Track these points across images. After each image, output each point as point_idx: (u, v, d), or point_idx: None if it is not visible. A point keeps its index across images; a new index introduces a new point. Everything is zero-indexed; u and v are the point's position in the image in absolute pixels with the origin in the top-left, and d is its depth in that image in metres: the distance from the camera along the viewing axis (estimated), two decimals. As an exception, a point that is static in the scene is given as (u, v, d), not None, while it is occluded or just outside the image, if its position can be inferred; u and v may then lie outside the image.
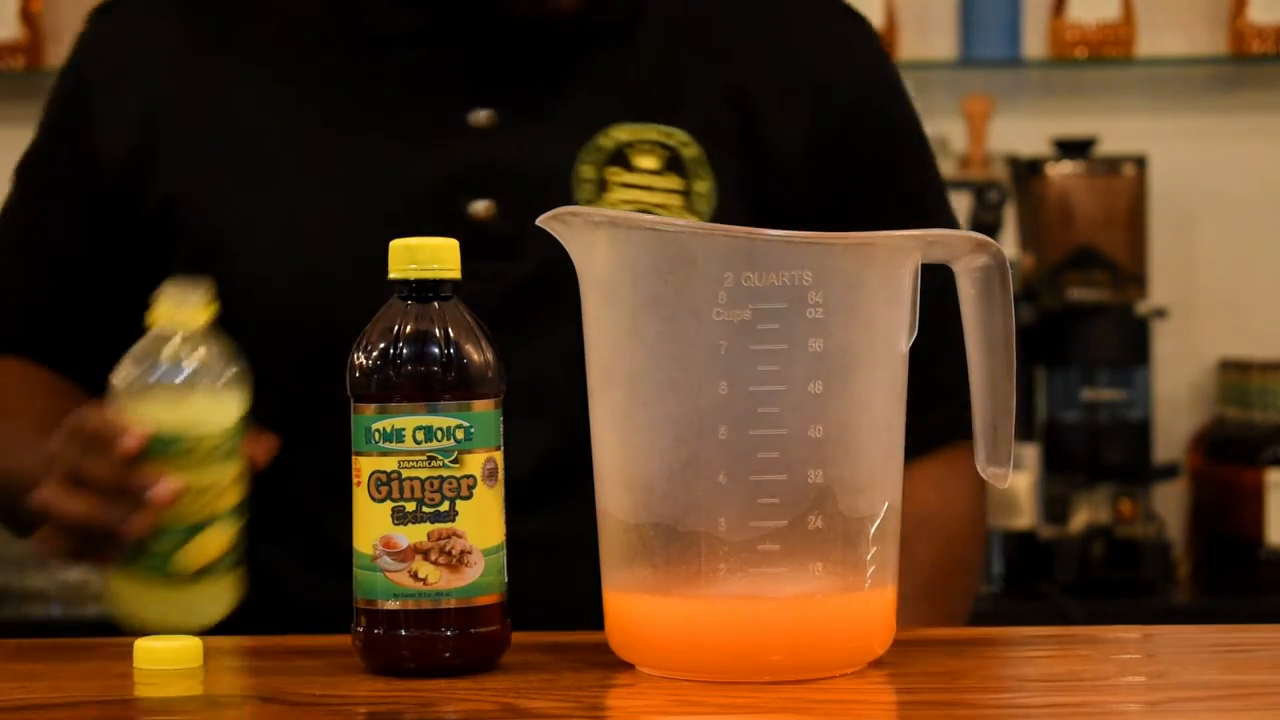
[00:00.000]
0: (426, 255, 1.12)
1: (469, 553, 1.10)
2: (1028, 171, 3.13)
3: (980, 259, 1.11)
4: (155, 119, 1.51)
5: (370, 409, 1.11)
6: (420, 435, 1.10)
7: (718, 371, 1.06)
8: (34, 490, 1.29)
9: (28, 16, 3.25)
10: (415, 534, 1.10)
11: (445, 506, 1.10)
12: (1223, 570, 3.11)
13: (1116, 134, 3.22)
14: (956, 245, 1.11)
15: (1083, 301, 3.10)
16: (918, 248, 1.10)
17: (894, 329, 1.10)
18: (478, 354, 1.12)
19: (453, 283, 1.13)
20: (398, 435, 1.10)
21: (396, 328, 1.11)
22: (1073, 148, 3.17)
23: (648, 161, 1.47)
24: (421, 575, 1.10)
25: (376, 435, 1.10)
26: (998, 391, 1.13)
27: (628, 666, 1.12)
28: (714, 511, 1.06)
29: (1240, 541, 3.04)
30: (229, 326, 1.33)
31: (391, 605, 1.10)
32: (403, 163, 1.48)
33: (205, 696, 1.08)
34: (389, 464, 1.10)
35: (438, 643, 1.10)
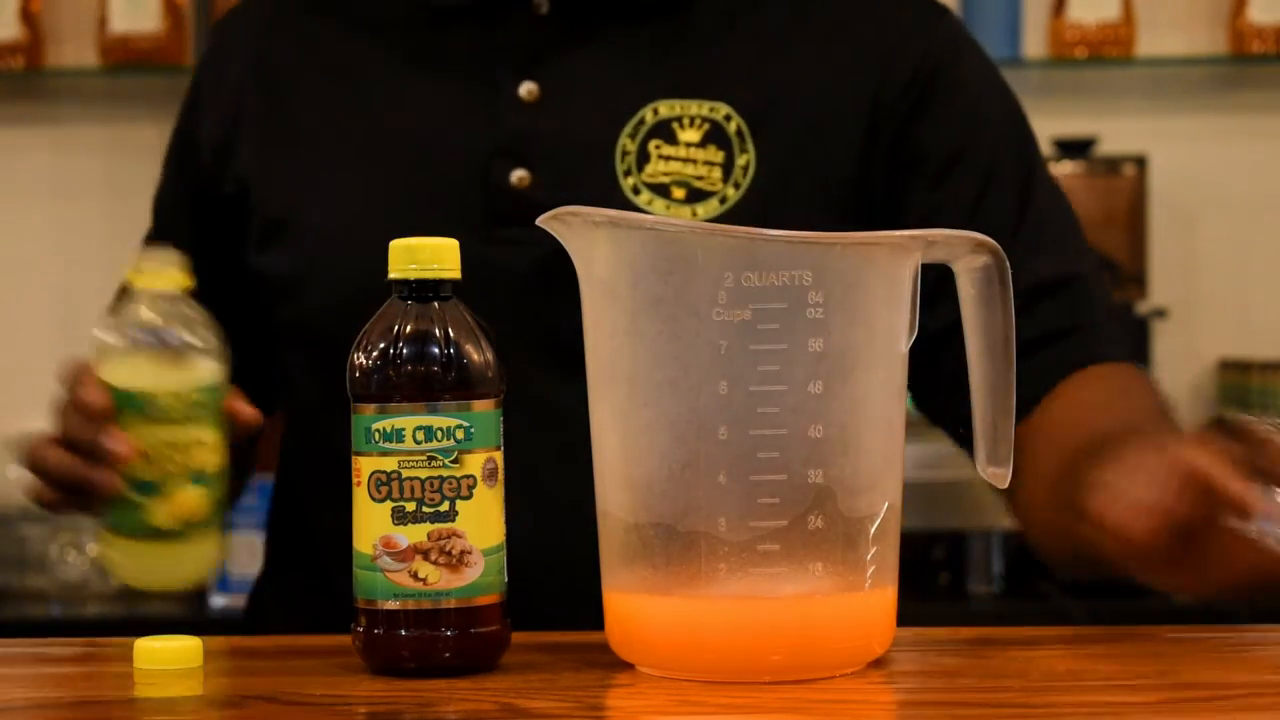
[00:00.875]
0: (426, 255, 1.12)
1: (469, 553, 1.10)
2: (1028, 171, 3.13)
3: (980, 259, 1.11)
4: (239, 107, 1.56)
5: (370, 409, 1.11)
6: (420, 435, 1.10)
7: (718, 371, 1.06)
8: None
9: (28, 16, 3.25)
10: (415, 534, 1.10)
11: (445, 506, 1.10)
12: (1223, 570, 3.10)
13: (1116, 134, 3.21)
14: (956, 245, 1.11)
15: (1083, 301, 3.09)
16: (918, 248, 1.10)
17: (894, 329, 1.10)
18: (478, 354, 1.12)
19: (453, 283, 1.13)
20: (398, 435, 1.10)
21: (396, 328, 1.11)
22: (1073, 148, 3.17)
23: (690, 134, 1.48)
24: (421, 575, 1.10)
25: (376, 435, 1.10)
26: (998, 391, 1.13)
27: (628, 666, 1.12)
28: (714, 511, 1.06)
29: (1240, 541, 3.03)
30: (295, 304, 1.49)
31: (391, 605, 1.10)
32: (453, 137, 1.50)
33: (205, 696, 1.08)
34: (389, 464, 1.10)
35: (438, 643, 1.10)
